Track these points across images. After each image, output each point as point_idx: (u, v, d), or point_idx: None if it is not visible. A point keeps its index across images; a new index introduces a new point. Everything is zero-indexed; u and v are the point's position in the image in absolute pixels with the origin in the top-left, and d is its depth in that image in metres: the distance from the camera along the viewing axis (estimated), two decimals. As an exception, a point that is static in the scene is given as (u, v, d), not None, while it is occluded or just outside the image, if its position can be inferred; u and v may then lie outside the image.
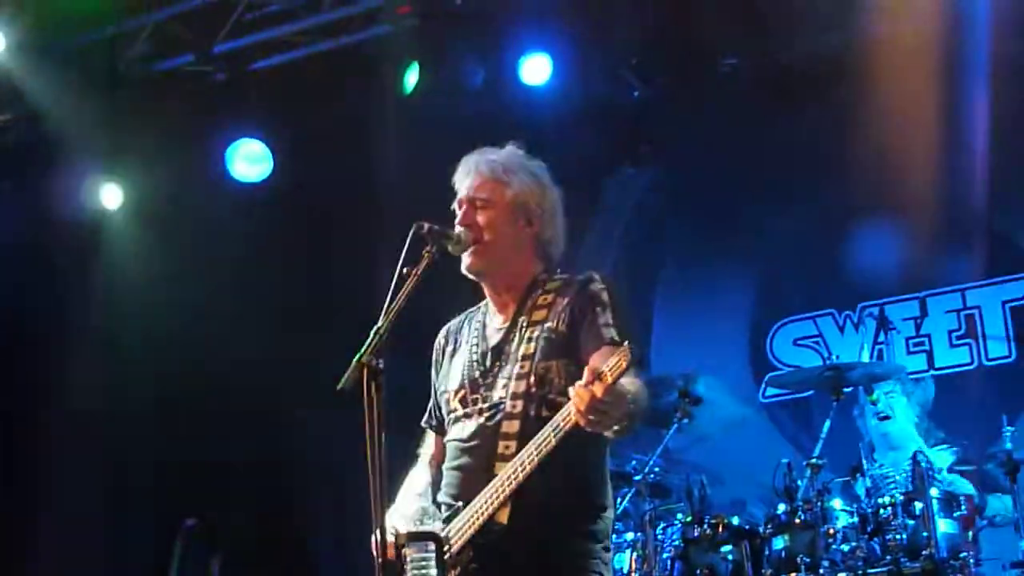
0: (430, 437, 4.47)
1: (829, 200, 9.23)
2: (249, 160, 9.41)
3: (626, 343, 3.58)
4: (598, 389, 3.55)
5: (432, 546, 3.72)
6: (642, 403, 3.85)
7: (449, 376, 4.32)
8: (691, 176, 9.61)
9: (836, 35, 8.74)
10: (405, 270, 3.95)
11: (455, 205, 4.31)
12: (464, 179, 4.32)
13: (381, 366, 3.65)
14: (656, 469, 7.19)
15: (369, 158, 8.98)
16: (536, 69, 8.78)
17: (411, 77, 8.69)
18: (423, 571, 3.71)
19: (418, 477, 4.37)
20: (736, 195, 9.49)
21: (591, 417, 3.60)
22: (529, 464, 3.78)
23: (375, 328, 3.76)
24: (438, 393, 4.38)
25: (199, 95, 9.28)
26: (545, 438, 3.77)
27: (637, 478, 7.04)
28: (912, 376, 8.13)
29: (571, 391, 3.62)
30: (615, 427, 3.76)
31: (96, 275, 9.80)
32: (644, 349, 3.50)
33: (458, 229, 4.19)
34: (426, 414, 4.49)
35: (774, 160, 9.29)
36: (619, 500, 7.08)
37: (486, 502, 3.87)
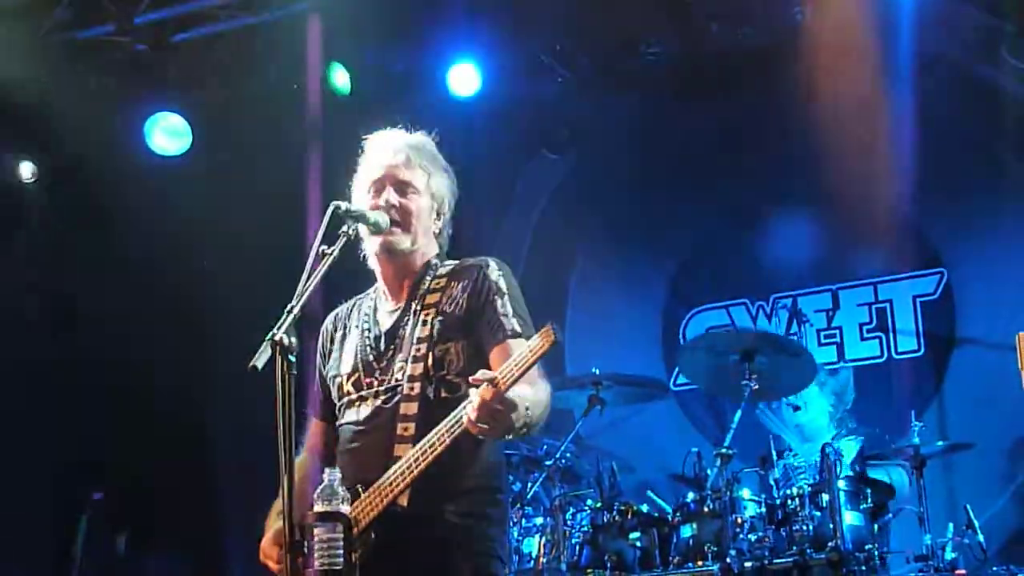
0: (312, 425, 4.46)
1: (745, 191, 9.30)
2: (168, 134, 9.33)
3: (549, 324, 3.58)
4: (487, 393, 3.55)
5: (340, 527, 3.71)
6: (540, 409, 3.86)
7: (341, 361, 4.31)
8: (609, 164, 9.63)
9: (757, 27, 8.79)
10: (322, 249, 3.94)
11: (371, 182, 4.29)
12: (387, 156, 4.30)
13: (293, 344, 3.63)
14: (567, 455, 7.19)
15: (289, 135, 8.93)
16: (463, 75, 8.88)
17: (338, 76, 8.72)
18: (332, 552, 3.70)
19: (298, 463, 4.35)
20: (653, 183, 9.52)
21: (482, 424, 3.60)
22: (431, 452, 3.77)
23: (288, 306, 3.74)
24: (327, 379, 4.36)
25: (119, 66, 9.16)
26: (439, 436, 3.77)
27: (548, 463, 7.05)
28: (828, 367, 8.20)
29: (471, 393, 3.61)
30: (508, 435, 3.78)
31: (14, 247, 9.67)
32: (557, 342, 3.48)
33: (375, 209, 4.18)
34: (309, 402, 4.47)
35: (693, 150, 9.33)
36: (530, 485, 7.09)
37: (389, 485, 3.86)
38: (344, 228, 4.00)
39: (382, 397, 4.10)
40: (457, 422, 3.72)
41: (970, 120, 8.65)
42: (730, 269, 9.45)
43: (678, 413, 9.29)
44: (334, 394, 4.29)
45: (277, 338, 3.62)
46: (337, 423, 4.27)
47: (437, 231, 4.34)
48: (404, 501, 3.85)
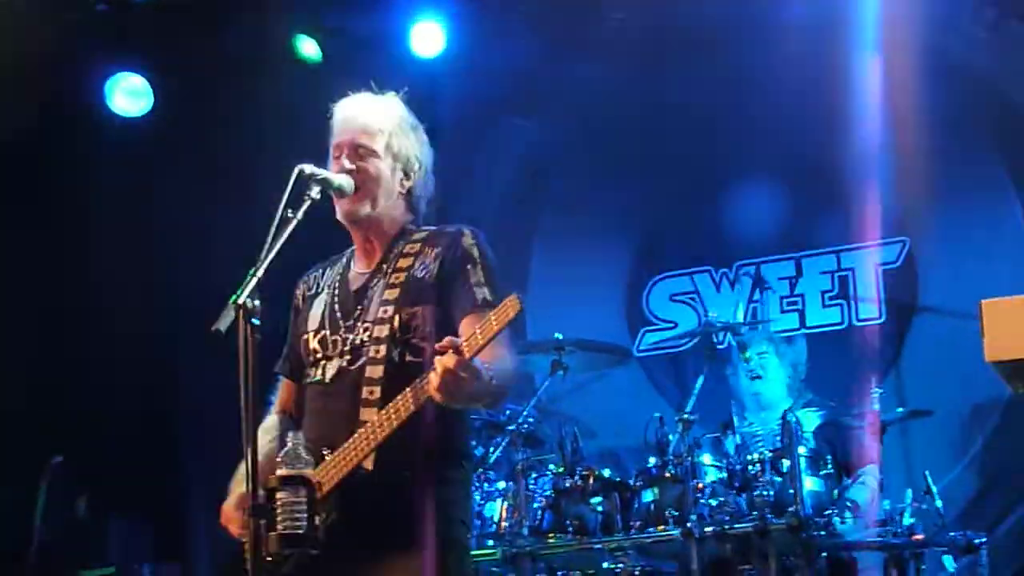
0: (281, 384, 4.46)
1: (710, 159, 9.30)
2: (129, 94, 9.29)
3: (515, 294, 3.57)
4: (451, 361, 3.55)
5: (303, 490, 3.72)
6: (507, 379, 3.88)
7: (309, 318, 4.31)
8: (574, 129, 9.63)
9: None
10: (285, 213, 3.92)
11: (333, 147, 4.29)
12: (347, 123, 4.30)
13: (257, 307, 3.63)
14: (530, 420, 7.20)
15: (252, 96, 8.88)
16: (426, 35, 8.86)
17: (305, 47, 8.69)
18: (294, 515, 3.71)
19: (269, 424, 4.35)
20: (619, 150, 9.53)
21: (446, 392, 3.61)
22: (396, 418, 3.77)
23: (251, 269, 3.73)
24: (296, 337, 4.36)
25: (80, 25, 9.08)
26: (404, 402, 3.78)
27: (510, 428, 7.05)
28: (783, 335, 8.23)
29: (436, 360, 3.60)
30: (472, 404, 3.79)
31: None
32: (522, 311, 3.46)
33: (338, 174, 4.16)
34: (280, 360, 4.47)
35: (658, 117, 9.33)
36: (492, 449, 7.10)
37: (353, 449, 3.86)
38: (308, 192, 4.00)
39: (347, 357, 4.10)
40: (422, 388, 3.71)
41: (933, 90, 8.66)
42: (694, 236, 9.46)
43: (642, 379, 9.31)
44: (302, 352, 4.29)
45: (240, 301, 3.62)
46: (304, 382, 4.27)
47: (405, 192, 4.32)
48: (369, 465, 3.85)
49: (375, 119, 4.29)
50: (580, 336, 7.52)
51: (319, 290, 4.38)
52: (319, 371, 4.18)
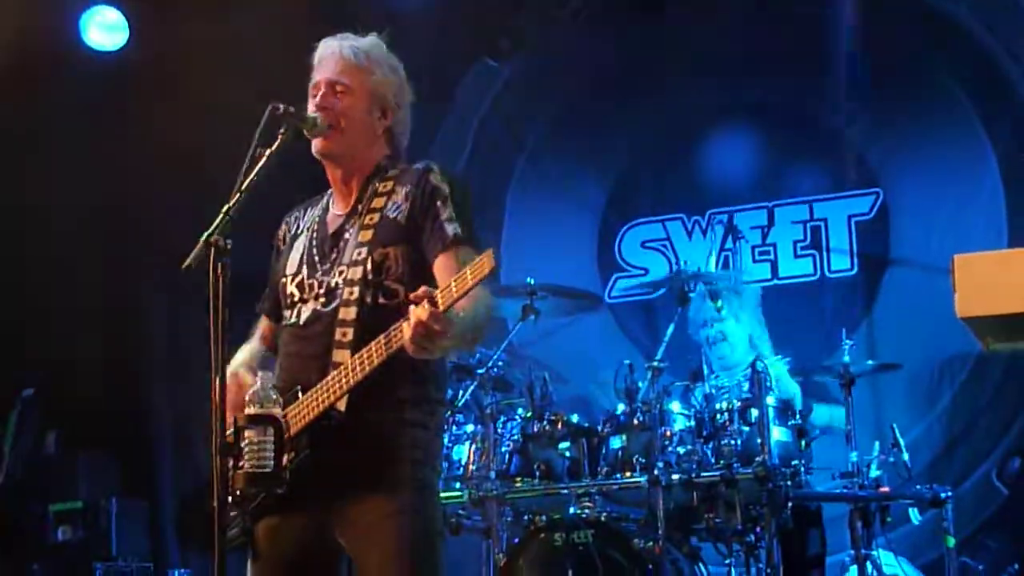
0: (262, 320, 4.45)
1: (685, 105, 9.31)
2: (104, 28, 9.22)
3: (490, 250, 3.55)
4: (424, 313, 3.55)
5: (271, 430, 3.72)
6: (480, 324, 3.88)
7: (288, 261, 4.28)
8: (549, 74, 9.61)
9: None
10: (258, 151, 3.91)
11: (312, 86, 4.27)
12: (325, 61, 4.27)
13: (228, 245, 3.62)
14: (499, 363, 7.20)
15: (228, 31, 8.81)
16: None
17: None
18: (261, 454, 3.70)
19: (249, 349, 4.35)
20: (593, 95, 9.52)
21: (419, 344, 3.61)
22: (368, 364, 3.77)
23: (224, 207, 3.72)
24: (276, 278, 4.34)
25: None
26: (377, 348, 3.77)
27: (480, 371, 7.05)
28: (743, 284, 8.25)
29: (410, 310, 3.60)
30: (445, 354, 3.78)
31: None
32: (496, 249, 3.45)
33: (313, 112, 4.15)
34: (261, 299, 4.46)
35: (633, 61, 9.31)
36: (461, 392, 7.10)
37: (326, 391, 3.86)
38: (281, 130, 3.98)
39: (322, 300, 4.09)
40: (395, 337, 3.71)
41: (909, 42, 8.69)
42: (668, 183, 9.47)
43: (613, 326, 9.34)
44: (281, 294, 4.27)
45: (212, 239, 3.61)
46: (281, 324, 4.26)
47: (383, 130, 4.30)
48: (341, 407, 3.85)
49: (353, 58, 4.25)
50: (552, 281, 7.51)
51: (299, 231, 4.36)
52: (294, 314, 4.16)
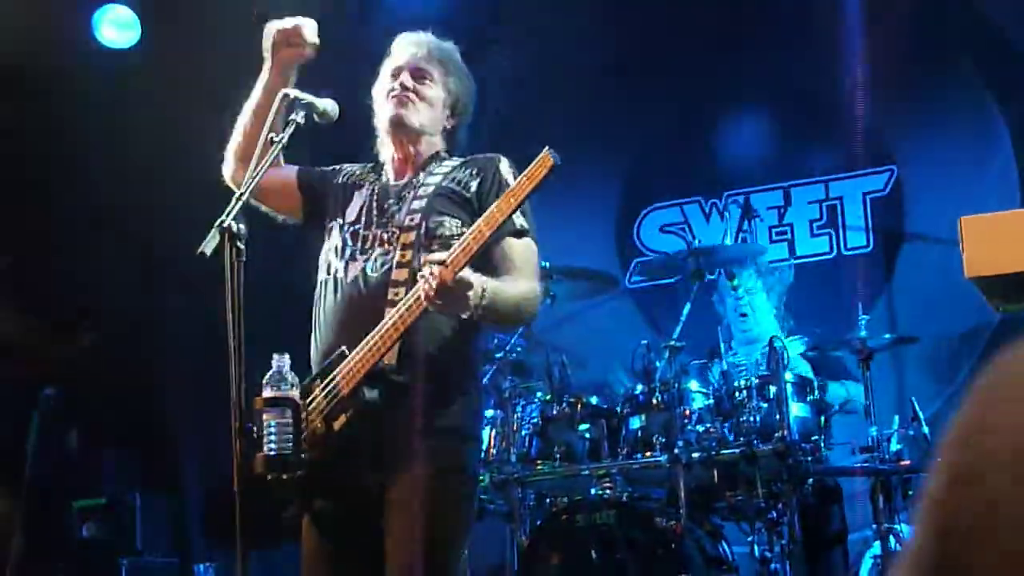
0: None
1: (700, 88, 9.31)
2: (117, 26, 9.24)
3: (547, 149, 3.78)
4: (448, 274, 3.65)
5: (289, 412, 3.74)
6: (500, 301, 3.94)
7: (348, 208, 4.37)
8: (565, 58, 9.60)
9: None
10: (270, 137, 3.96)
11: (392, 69, 4.42)
12: (410, 49, 4.45)
13: (242, 231, 3.64)
14: (518, 348, 7.23)
15: (242, 27, 8.81)
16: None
17: None
18: (281, 437, 3.73)
19: None
20: (609, 79, 9.52)
21: (436, 301, 3.71)
22: (408, 315, 3.84)
23: (237, 193, 3.75)
24: (328, 188, 4.50)
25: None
26: (408, 306, 3.84)
27: (498, 356, 7.09)
28: (772, 264, 8.26)
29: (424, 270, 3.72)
30: (467, 313, 3.82)
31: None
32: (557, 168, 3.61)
33: (325, 99, 4.19)
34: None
35: (645, 46, 9.31)
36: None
37: (374, 347, 3.90)
38: (293, 116, 4.03)
39: (374, 259, 4.15)
40: (416, 300, 3.82)
41: (921, 18, 8.66)
42: (684, 166, 9.48)
43: (632, 310, 9.35)
44: (332, 231, 4.36)
45: (226, 225, 3.64)
46: (321, 277, 4.32)
47: (450, 128, 4.47)
48: (392, 360, 3.92)
49: (439, 53, 4.46)
50: (569, 264, 7.53)
51: (359, 182, 4.46)
52: (341, 268, 4.23)
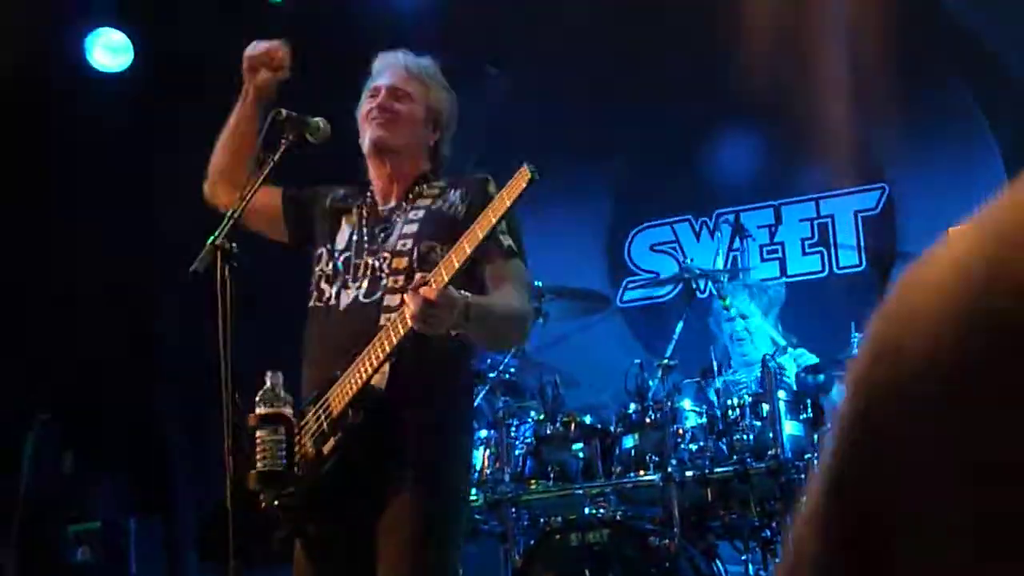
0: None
1: (688, 106, 9.32)
2: (109, 50, 9.26)
3: (525, 164, 3.66)
4: (430, 292, 3.63)
5: (282, 429, 3.75)
6: (487, 318, 3.95)
7: (337, 235, 4.37)
8: (553, 78, 9.61)
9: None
10: (261, 156, 3.97)
11: (371, 89, 4.42)
12: (387, 70, 4.44)
13: (235, 249, 3.65)
14: (511, 369, 7.23)
15: (233, 48, 8.83)
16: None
17: None
18: (273, 454, 3.73)
19: None
20: (598, 97, 9.53)
21: (421, 322, 3.68)
22: (395, 334, 3.83)
23: (229, 211, 3.76)
24: (315, 212, 4.48)
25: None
26: (394, 327, 3.83)
27: (491, 376, 7.08)
28: (764, 283, 8.27)
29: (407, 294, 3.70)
30: (452, 332, 3.83)
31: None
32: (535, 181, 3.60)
33: (317, 118, 4.20)
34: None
35: (635, 64, 9.33)
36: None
37: (363, 368, 3.91)
38: (285, 135, 4.04)
39: (365, 286, 4.16)
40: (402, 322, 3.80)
41: (912, 36, 8.69)
42: (674, 185, 9.49)
43: (624, 330, 9.35)
44: (320, 262, 4.34)
45: (218, 243, 3.65)
46: (312, 303, 4.31)
47: (432, 144, 4.45)
48: (381, 383, 3.91)
49: (417, 70, 4.45)
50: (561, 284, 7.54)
51: (347, 207, 4.45)
52: (332, 295, 4.23)
